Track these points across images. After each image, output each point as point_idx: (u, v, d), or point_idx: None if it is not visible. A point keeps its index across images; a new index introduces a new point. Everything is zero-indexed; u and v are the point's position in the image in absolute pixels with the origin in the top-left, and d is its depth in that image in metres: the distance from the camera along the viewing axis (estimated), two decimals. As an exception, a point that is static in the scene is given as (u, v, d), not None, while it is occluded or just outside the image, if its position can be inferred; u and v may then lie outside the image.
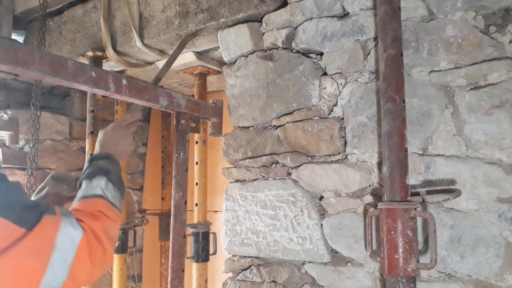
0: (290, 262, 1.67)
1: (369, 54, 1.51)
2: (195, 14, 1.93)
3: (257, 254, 1.72)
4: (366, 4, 1.51)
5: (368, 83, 1.50)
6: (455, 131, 1.33)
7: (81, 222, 0.99)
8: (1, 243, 0.83)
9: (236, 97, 1.81)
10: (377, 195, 1.47)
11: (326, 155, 1.59)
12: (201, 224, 2.37)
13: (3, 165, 2.81)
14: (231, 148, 1.82)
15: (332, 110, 1.59)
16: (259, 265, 1.74)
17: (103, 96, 2.44)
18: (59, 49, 2.46)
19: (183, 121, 1.54)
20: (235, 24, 1.84)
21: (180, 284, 1.50)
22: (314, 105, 1.62)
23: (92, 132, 2.44)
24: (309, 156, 1.63)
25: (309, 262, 1.61)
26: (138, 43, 2.13)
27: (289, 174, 1.66)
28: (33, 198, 1.34)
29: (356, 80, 1.53)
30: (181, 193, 1.52)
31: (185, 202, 1.53)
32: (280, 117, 1.70)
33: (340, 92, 1.56)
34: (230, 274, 1.83)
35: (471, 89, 1.32)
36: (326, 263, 1.57)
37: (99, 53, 2.30)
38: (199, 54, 2.32)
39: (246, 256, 1.78)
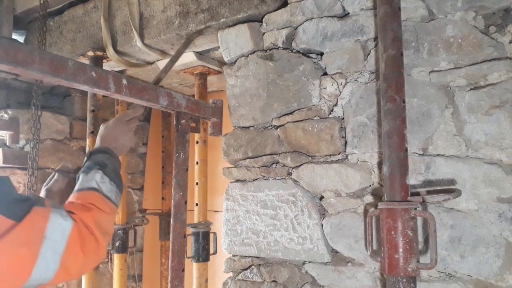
0: (291, 262, 1.67)
1: (369, 54, 1.51)
2: (195, 14, 1.93)
3: (257, 254, 1.72)
4: (366, 4, 1.51)
5: (368, 83, 1.50)
6: (455, 131, 1.33)
7: (72, 214, 0.99)
8: None
9: (236, 97, 1.82)
10: (377, 195, 1.47)
11: (326, 155, 1.59)
12: (202, 224, 2.37)
13: (4, 165, 2.81)
14: (231, 148, 1.82)
15: (332, 110, 1.59)
16: (259, 265, 1.74)
17: (103, 96, 2.44)
18: (60, 49, 2.46)
19: (183, 121, 1.54)
20: (235, 24, 1.84)
21: (180, 283, 1.50)
22: (314, 105, 1.62)
23: (92, 132, 2.44)
24: (310, 156, 1.63)
25: (310, 262, 1.61)
26: (139, 43, 2.13)
27: (290, 174, 1.67)
28: (42, 190, 1.36)
29: (356, 80, 1.53)
30: (181, 193, 1.52)
31: (185, 202, 1.54)
32: (280, 117, 1.70)
33: (340, 92, 1.56)
34: (231, 274, 1.83)
35: (471, 89, 1.32)
36: (327, 263, 1.57)
37: (99, 53, 2.31)
38: (200, 54, 2.33)
39: (246, 256, 1.78)
